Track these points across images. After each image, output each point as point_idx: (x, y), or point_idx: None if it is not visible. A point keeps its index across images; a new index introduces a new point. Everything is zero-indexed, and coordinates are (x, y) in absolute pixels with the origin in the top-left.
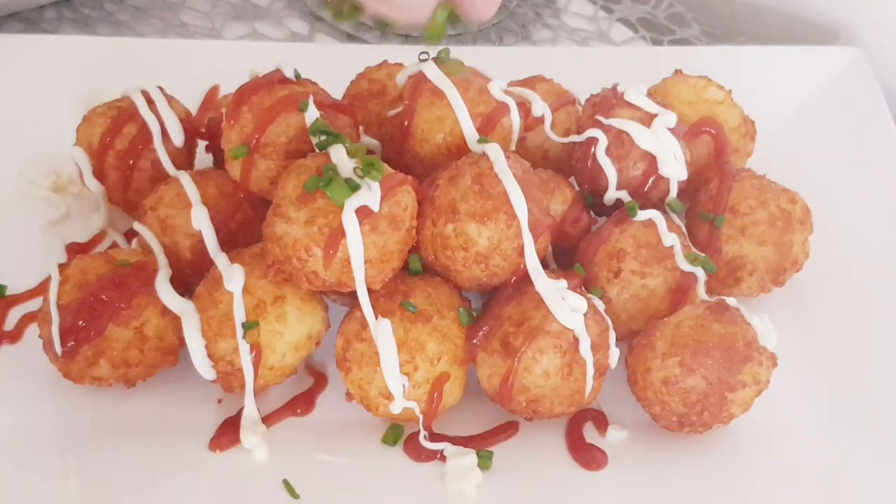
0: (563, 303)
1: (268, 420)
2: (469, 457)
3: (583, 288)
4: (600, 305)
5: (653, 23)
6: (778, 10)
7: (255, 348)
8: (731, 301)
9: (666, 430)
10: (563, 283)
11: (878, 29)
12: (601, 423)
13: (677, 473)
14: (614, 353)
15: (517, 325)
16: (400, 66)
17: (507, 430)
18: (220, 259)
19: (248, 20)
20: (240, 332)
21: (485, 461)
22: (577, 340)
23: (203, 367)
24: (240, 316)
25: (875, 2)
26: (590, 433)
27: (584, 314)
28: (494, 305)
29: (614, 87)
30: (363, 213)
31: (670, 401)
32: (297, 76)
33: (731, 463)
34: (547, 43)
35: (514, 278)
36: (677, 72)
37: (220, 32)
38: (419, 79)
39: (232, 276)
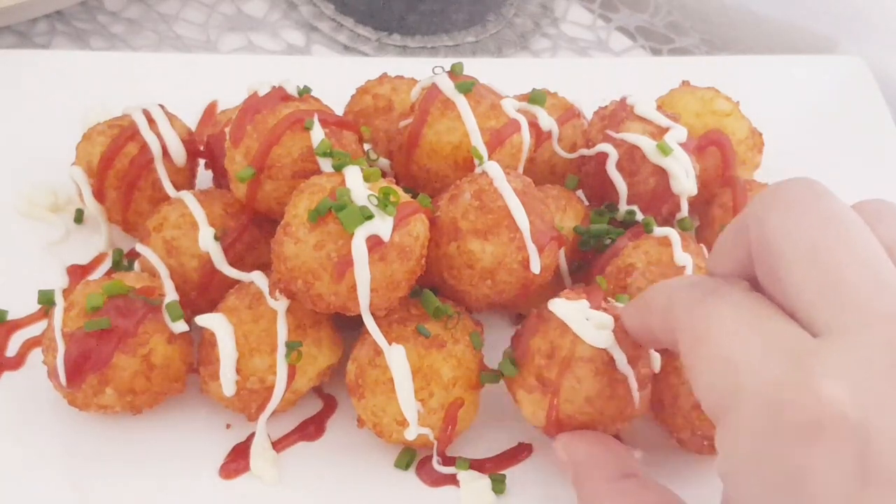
0: (588, 324)
1: (278, 445)
2: (483, 481)
3: (608, 300)
4: None
5: (652, 31)
6: (777, 18)
7: (291, 369)
8: None
9: (696, 453)
10: (584, 302)
11: (878, 38)
12: (617, 441)
13: (693, 493)
14: (655, 359)
15: (548, 358)
16: (401, 78)
17: (520, 452)
18: (256, 276)
19: (243, 31)
20: (282, 350)
21: (498, 485)
22: (611, 358)
23: (228, 381)
24: (283, 334)
25: (874, 11)
26: None
27: (614, 330)
28: (521, 339)
29: (623, 100)
30: (373, 241)
31: (701, 425)
32: (301, 92)
33: None
34: (546, 52)
35: (536, 311)
36: (684, 83)
37: (215, 45)
38: (431, 91)
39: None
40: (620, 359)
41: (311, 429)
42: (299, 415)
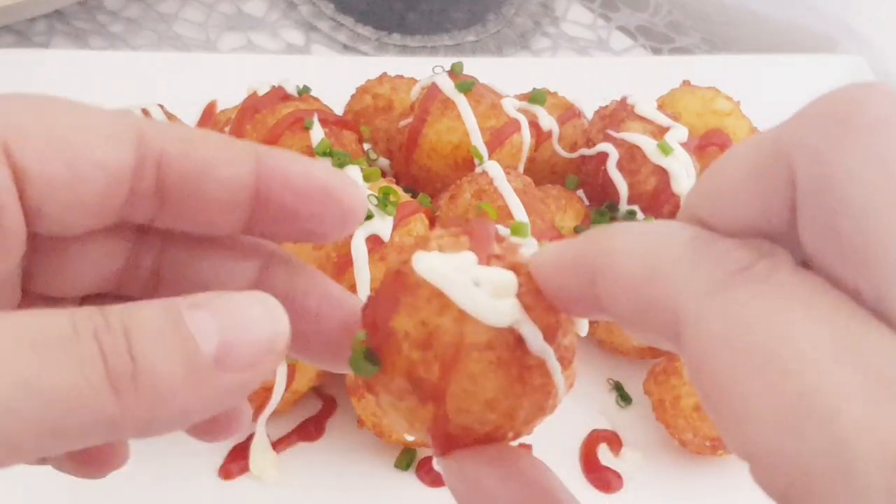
0: (478, 291)
1: (277, 446)
2: None
3: (502, 239)
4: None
5: (652, 31)
6: (778, 18)
7: (290, 369)
8: None
9: (698, 455)
10: (468, 255)
11: (878, 38)
12: (615, 444)
13: (695, 494)
14: (581, 324)
15: (422, 348)
16: (400, 78)
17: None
18: None
19: (242, 31)
20: None
21: None
22: (519, 338)
23: None
24: None
25: (875, 11)
26: (604, 454)
27: (518, 292)
28: (375, 315)
29: (623, 100)
30: (373, 241)
31: (703, 426)
32: (300, 92)
33: (748, 482)
34: (546, 52)
35: (394, 267)
36: (685, 83)
37: (214, 44)
38: (431, 90)
39: None
40: (533, 335)
41: (310, 429)
42: (299, 415)
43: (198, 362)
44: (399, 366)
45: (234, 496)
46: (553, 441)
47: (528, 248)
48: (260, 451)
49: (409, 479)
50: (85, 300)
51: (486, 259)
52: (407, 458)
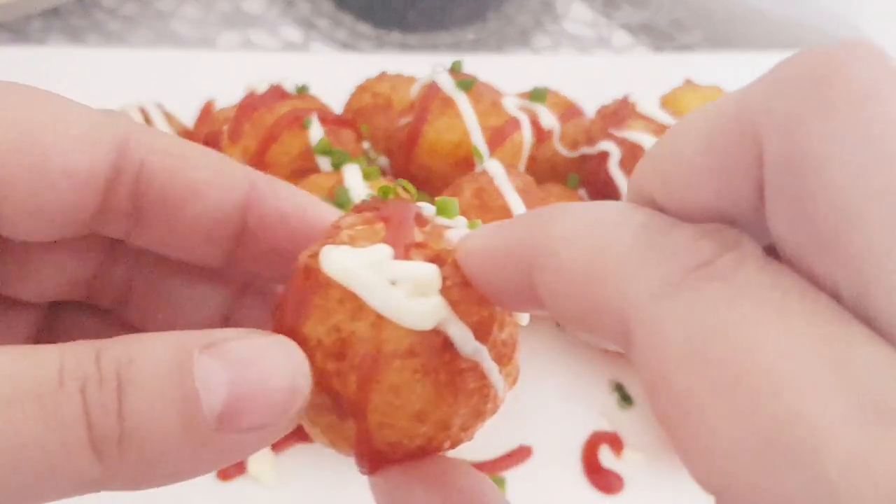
0: (395, 291)
1: (276, 446)
2: None
3: (426, 222)
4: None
5: (654, 28)
6: (780, 15)
7: None
8: None
9: None
10: (382, 249)
11: (882, 35)
12: (617, 445)
13: (697, 496)
14: (522, 317)
15: (337, 358)
16: (400, 76)
17: (519, 455)
18: None
19: (241, 28)
20: None
21: (498, 483)
22: (446, 341)
23: None
24: None
25: (877, 7)
26: (605, 456)
27: (443, 287)
28: (283, 319)
29: (625, 98)
30: None
31: None
32: (299, 90)
33: None
34: (547, 50)
35: (303, 262)
36: (687, 81)
37: (213, 42)
38: (431, 89)
39: None
40: (462, 336)
41: None
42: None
43: (198, 423)
44: (313, 378)
45: (233, 497)
46: (554, 443)
47: (458, 229)
48: (259, 453)
49: None
50: (54, 306)
51: (405, 250)
52: None
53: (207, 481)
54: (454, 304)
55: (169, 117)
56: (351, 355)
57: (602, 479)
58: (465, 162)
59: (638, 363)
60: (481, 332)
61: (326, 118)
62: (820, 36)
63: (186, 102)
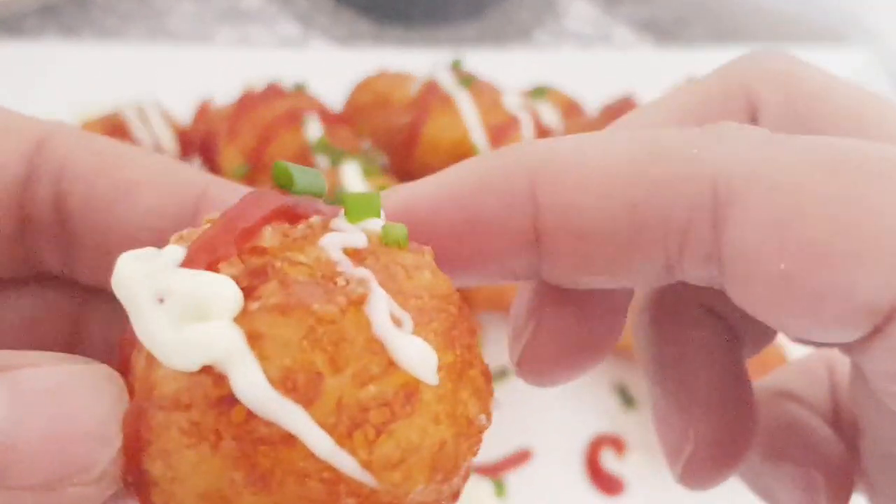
0: (158, 310)
1: None
2: (483, 484)
3: (310, 226)
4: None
5: (656, 24)
6: (784, 10)
7: None
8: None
9: None
10: (173, 251)
11: (887, 30)
12: (619, 447)
13: (699, 497)
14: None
15: (135, 415)
16: (400, 74)
17: (519, 458)
18: None
19: (238, 24)
20: None
21: (500, 488)
22: (229, 392)
23: None
24: None
25: (883, 3)
26: (608, 458)
27: (245, 312)
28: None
29: (629, 96)
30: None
31: None
32: (297, 88)
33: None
34: (549, 46)
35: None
36: (689, 79)
37: (210, 37)
38: (431, 86)
39: None
40: (251, 385)
41: None
42: None
43: None
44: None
45: None
46: (556, 445)
47: (350, 234)
48: None
49: None
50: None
51: (212, 256)
52: None
53: None
54: (262, 338)
55: (166, 116)
56: (133, 402)
57: (604, 481)
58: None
59: (748, 215)
60: (300, 381)
61: (324, 116)
62: (823, 31)
63: (183, 99)
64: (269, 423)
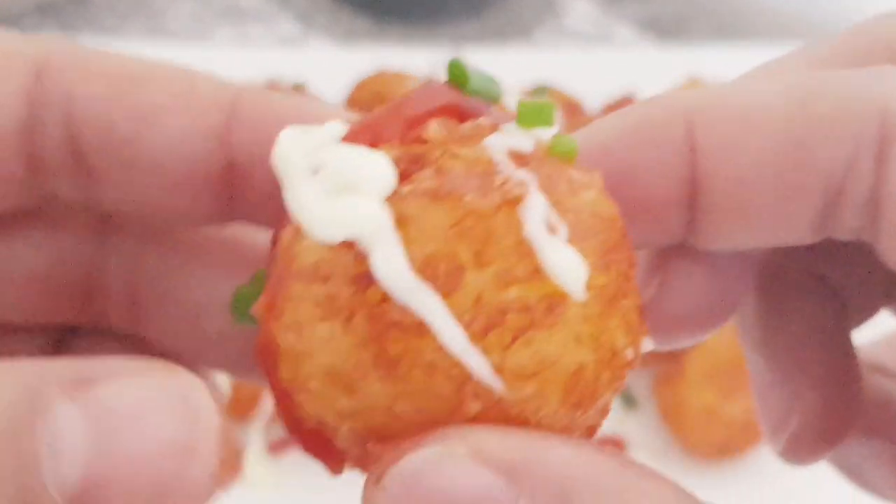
0: (309, 181)
1: (273, 450)
2: None
3: (477, 125)
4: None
5: (657, 23)
6: (786, 7)
7: None
8: None
9: (703, 459)
10: (334, 127)
11: None
12: (619, 448)
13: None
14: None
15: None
16: (399, 74)
17: None
18: None
19: (238, 23)
20: None
21: None
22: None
23: (223, 383)
24: None
25: (883, 3)
26: None
27: (398, 195)
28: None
29: (630, 96)
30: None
31: (710, 429)
32: (296, 88)
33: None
34: (549, 44)
35: None
36: (692, 76)
37: (209, 36)
38: None
39: None
40: (389, 267)
41: None
42: None
43: None
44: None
45: (230, 501)
46: None
47: (515, 138)
48: (255, 457)
49: None
50: (62, 340)
51: (377, 136)
52: None
53: None
54: (409, 221)
55: None
56: (271, 274)
57: None
58: None
59: None
60: (440, 269)
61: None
62: (824, 28)
63: None
64: (403, 309)
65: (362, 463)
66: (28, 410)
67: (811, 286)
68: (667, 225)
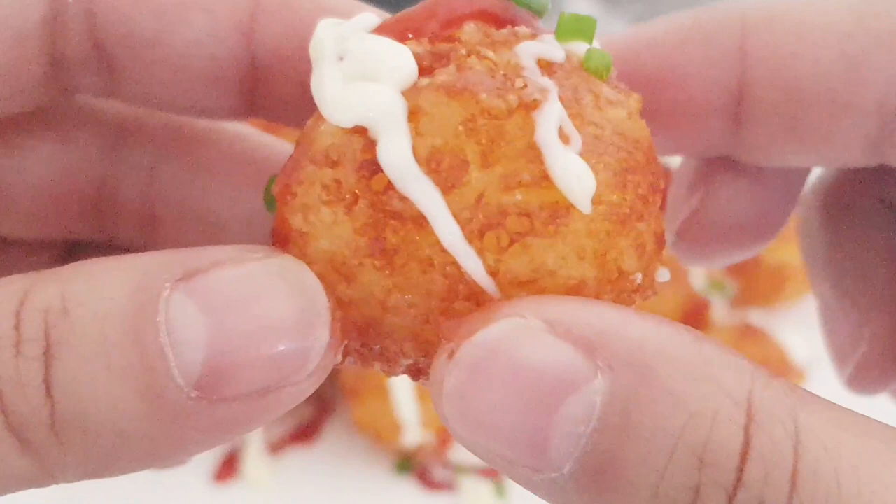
0: (333, 66)
1: (272, 449)
2: (483, 486)
3: (512, 32)
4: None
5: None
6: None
7: None
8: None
9: None
10: (367, 17)
11: None
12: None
13: None
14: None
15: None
16: None
17: None
18: None
19: None
20: None
21: (500, 490)
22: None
23: None
24: None
25: None
26: None
27: (417, 86)
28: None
29: None
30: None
31: None
32: None
33: None
34: None
35: None
36: None
37: None
38: None
39: None
40: (395, 155)
41: (306, 432)
42: (293, 418)
43: (166, 393)
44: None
45: (229, 500)
46: None
47: (548, 47)
48: (254, 456)
49: (408, 484)
50: (72, 251)
51: (407, 30)
52: (406, 463)
53: (200, 484)
54: (421, 113)
55: None
56: (293, 157)
57: None
58: None
59: None
60: (444, 163)
61: None
62: None
63: None
64: (404, 199)
65: (360, 357)
66: (143, 308)
67: (879, 212)
68: (709, 131)
